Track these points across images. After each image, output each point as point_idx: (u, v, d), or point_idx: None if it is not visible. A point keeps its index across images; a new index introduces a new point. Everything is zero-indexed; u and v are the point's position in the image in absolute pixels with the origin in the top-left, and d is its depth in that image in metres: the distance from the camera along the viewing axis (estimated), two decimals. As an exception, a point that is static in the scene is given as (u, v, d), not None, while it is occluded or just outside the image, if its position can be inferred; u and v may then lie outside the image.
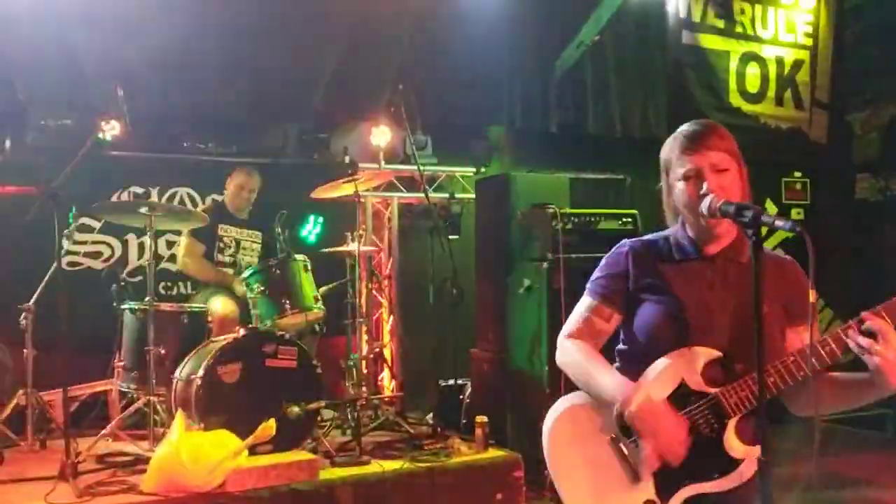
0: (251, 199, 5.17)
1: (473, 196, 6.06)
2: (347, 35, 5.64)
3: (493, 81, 6.28)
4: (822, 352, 1.78)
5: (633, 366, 2.02)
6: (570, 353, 2.09)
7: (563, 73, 6.38)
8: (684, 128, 2.03)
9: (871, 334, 1.72)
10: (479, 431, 4.43)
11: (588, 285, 2.15)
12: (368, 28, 5.58)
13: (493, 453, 4.30)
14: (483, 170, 6.42)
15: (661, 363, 1.95)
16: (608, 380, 1.99)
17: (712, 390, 1.91)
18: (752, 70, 6.58)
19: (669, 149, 2.03)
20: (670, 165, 2.02)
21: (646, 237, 2.15)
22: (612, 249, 2.15)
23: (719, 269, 2.01)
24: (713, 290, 1.99)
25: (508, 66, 6.29)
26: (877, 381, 1.74)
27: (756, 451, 1.75)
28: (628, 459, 1.95)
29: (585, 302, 2.13)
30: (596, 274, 2.15)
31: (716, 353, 1.93)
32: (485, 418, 4.42)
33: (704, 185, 1.91)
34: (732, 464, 1.90)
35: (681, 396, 1.92)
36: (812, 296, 1.61)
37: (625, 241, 2.14)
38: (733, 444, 1.90)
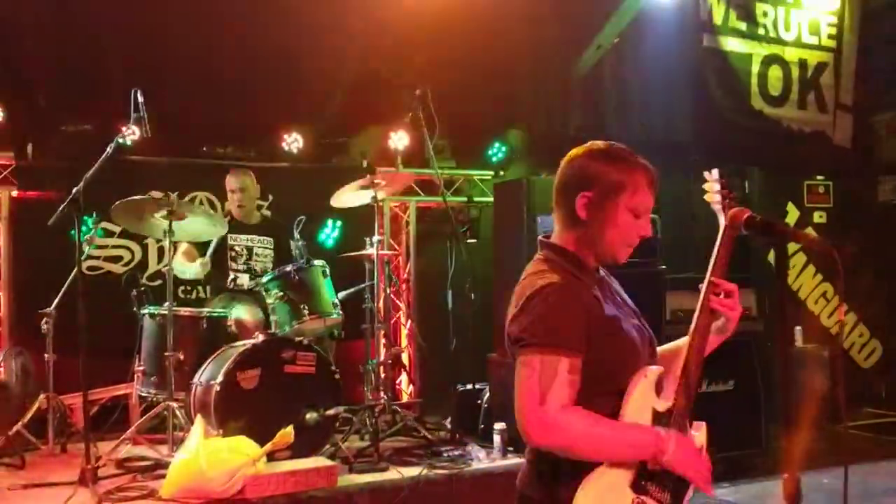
0: (250, 201, 5.06)
1: (492, 200, 6.05)
2: (366, 39, 5.64)
3: (512, 84, 6.25)
4: (705, 323, 2.02)
5: (594, 407, 1.89)
6: (581, 427, 1.83)
7: (582, 76, 6.35)
8: (642, 160, 1.98)
9: (727, 294, 2.02)
10: (497, 438, 4.41)
11: (542, 340, 1.83)
12: (387, 32, 5.58)
13: (513, 460, 4.27)
14: (501, 173, 6.39)
15: (633, 395, 1.91)
16: (638, 433, 1.88)
17: (670, 404, 1.94)
18: (775, 73, 6.50)
19: (631, 172, 1.94)
20: (626, 189, 1.93)
21: (558, 269, 1.95)
22: (551, 295, 1.87)
23: (604, 283, 2.05)
24: (622, 307, 2.04)
25: (527, 68, 6.26)
26: (727, 330, 2.07)
27: (699, 430, 2.01)
28: None
29: (557, 362, 1.82)
30: (550, 326, 1.84)
31: (661, 370, 1.95)
32: (503, 425, 4.40)
33: (649, 228, 1.99)
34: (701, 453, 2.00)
35: (657, 421, 1.94)
36: (841, 313, 1.60)
37: (555, 282, 1.88)
38: (695, 437, 1.99)
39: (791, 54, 6.57)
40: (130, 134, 4.69)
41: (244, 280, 4.95)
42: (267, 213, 5.58)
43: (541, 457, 1.94)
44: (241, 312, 4.66)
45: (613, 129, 6.25)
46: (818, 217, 6.79)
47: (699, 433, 2.00)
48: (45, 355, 4.49)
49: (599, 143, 2.01)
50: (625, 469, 1.87)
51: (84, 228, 4.22)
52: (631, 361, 1.93)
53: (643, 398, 1.91)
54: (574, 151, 2.03)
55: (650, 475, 1.89)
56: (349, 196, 4.95)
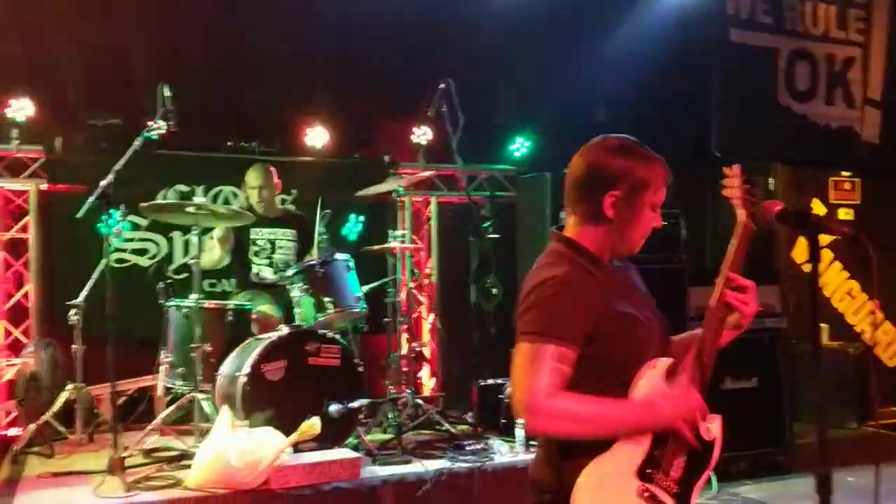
0: (270, 196, 5.09)
1: (515, 195, 6.05)
2: (390, 34, 5.65)
3: (535, 79, 6.24)
4: (719, 317, 2.03)
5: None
6: (568, 409, 1.84)
7: (605, 71, 6.31)
8: (656, 154, 2.02)
9: (742, 290, 2.01)
10: (520, 432, 4.42)
11: (534, 329, 1.86)
12: (410, 27, 5.58)
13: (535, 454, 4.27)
14: (524, 168, 6.38)
15: (639, 384, 1.94)
16: (626, 405, 1.92)
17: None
18: (802, 68, 6.43)
19: (652, 168, 1.99)
20: (648, 187, 1.98)
21: (567, 262, 1.97)
22: (550, 287, 1.89)
23: (617, 275, 2.07)
24: (638, 300, 2.06)
25: (550, 63, 6.24)
26: (741, 326, 2.06)
27: (713, 422, 1.99)
28: (658, 496, 1.91)
29: (545, 350, 1.83)
30: (543, 316, 1.87)
31: (671, 361, 1.98)
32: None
33: (660, 219, 2.03)
34: (711, 446, 2.00)
35: None
36: (877, 305, 1.59)
37: (559, 274, 1.91)
38: (707, 428, 1.99)
39: (818, 49, 6.49)
40: (157, 128, 4.74)
41: (267, 273, 4.98)
42: (290, 206, 5.62)
43: (548, 441, 2.00)
44: (265, 306, 4.70)
45: (636, 124, 6.19)
46: (844, 213, 6.71)
47: (713, 425, 2.01)
48: (73, 346, 4.56)
49: (614, 138, 2.02)
50: (631, 456, 1.89)
51: (112, 221, 4.27)
52: (641, 354, 1.96)
53: (650, 388, 1.93)
54: (589, 147, 2.03)
55: (657, 464, 1.91)
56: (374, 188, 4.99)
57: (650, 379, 1.94)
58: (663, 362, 1.96)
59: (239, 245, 4.95)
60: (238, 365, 4.06)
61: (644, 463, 1.90)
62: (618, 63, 6.28)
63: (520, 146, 6.42)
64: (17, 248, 5.31)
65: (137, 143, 4.25)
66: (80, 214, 4.15)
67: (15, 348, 5.20)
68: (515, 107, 6.36)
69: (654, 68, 6.27)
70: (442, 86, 4.84)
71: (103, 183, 4.02)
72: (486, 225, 5.28)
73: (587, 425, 1.87)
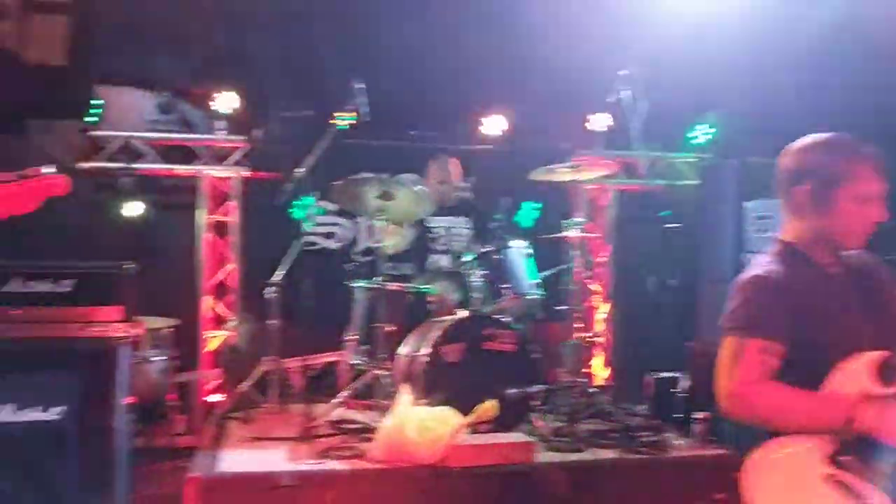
0: (451, 187, 5.23)
1: (696, 183, 5.84)
2: (570, 23, 5.61)
3: (720, 64, 5.97)
4: None
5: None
6: (769, 398, 1.93)
7: (792, 55, 5.93)
8: (865, 147, 1.99)
9: None
10: (698, 427, 4.30)
11: (739, 325, 1.99)
12: (592, 16, 5.51)
13: (714, 451, 4.14)
14: (707, 156, 6.15)
15: (836, 377, 1.92)
16: (828, 400, 1.91)
17: (891, 390, 1.89)
18: None
19: (851, 162, 1.97)
20: (847, 178, 1.96)
21: (774, 261, 2.06)
22: (749, 286, 2.02)
23: (843, 273, 2.05)
24: (849, 296, 2.02)
25: (733, 50, 5.94)
26: None
27: None
28: (849, 484, 1.86)
29: (748, 343, 1.96)
30: (747, 312, 1.99)
31: (883, 354, 1.92)
32: (705, 414, 4.28)
33: (882, 213, 1.99)
34: None
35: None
36: None
37: (758, 273, 2.02)
38: None
39: None
40: (346, 119, 4.99)
41: (444, 260, 5.13)
42: (466, 194, 5.74)
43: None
44: (442, 290, 4.84)
45: (831, 112, 5.76)
46: None
47: None
48: (269, 322, 4.93)
49: (819, 135, 2.05)
50: (823, 439, 1.88)
51: (306, 206, 4.56)
52: (837, 354, 1.92)
53: (850, 381, 1.89)
54: (794, 144, 2.08)
55: (855, 451, 1.86)
56: (551, 173, 4.98)
57: (850, 376, 1.89)
58: (871, 355, 1.91)
59: (418, 232, 5.13)
60: (419, 345, 4.23)
61: (838, 449, 1.87)
62: (809, 47, 5.88)
63: (701, 133, 6.17)
64: (220, 229, 5.79)
65: (329, 133, 4.50)
66: (279, 202, 4.46)
67: (219, 322, 5.69)
68: (698, 93, 6.12)
69: (859, 52, 5.82)
70: (624, 73, 4.76)
71: (298, 171, 4.30)
72: (665, 214, 5.15)
73: (784, 416, 1.92)
